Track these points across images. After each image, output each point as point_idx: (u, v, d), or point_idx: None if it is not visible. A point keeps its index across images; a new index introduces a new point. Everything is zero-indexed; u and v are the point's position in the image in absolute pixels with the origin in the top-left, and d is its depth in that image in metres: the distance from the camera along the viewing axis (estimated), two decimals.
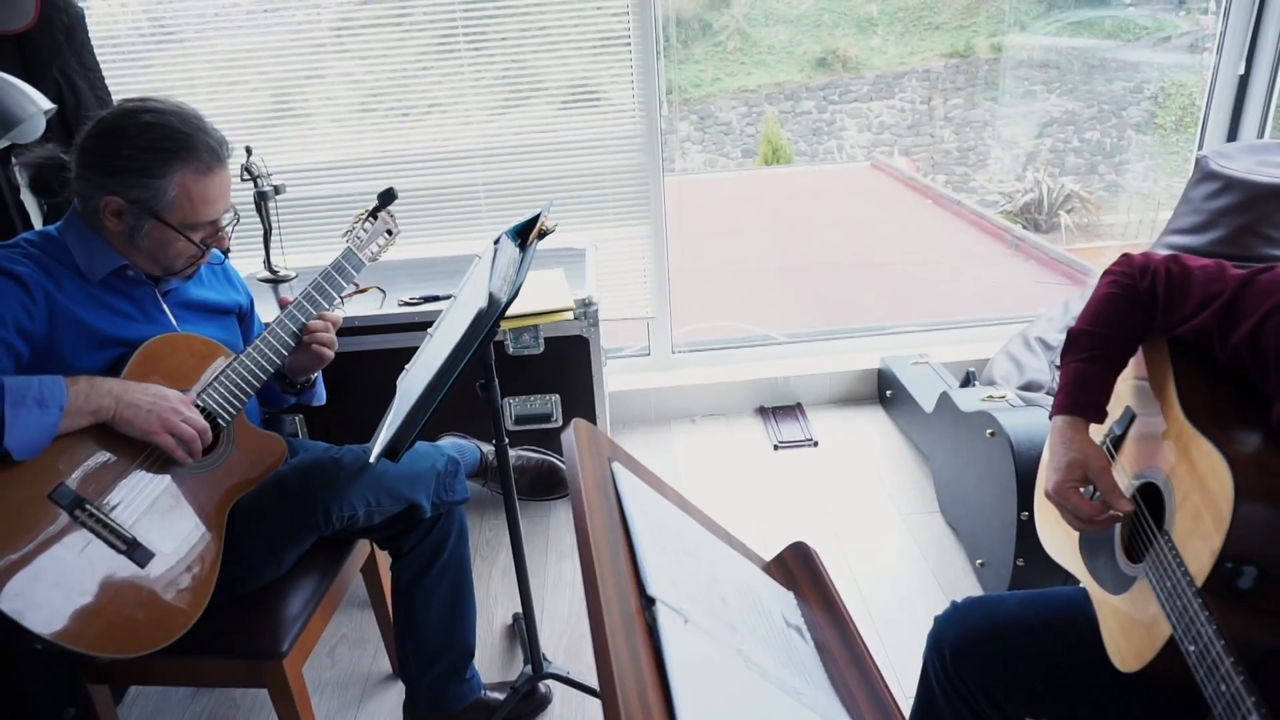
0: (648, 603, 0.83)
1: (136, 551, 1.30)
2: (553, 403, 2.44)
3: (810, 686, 0.97)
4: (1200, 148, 3.03)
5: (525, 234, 1.53)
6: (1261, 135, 2.95)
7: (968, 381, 2.51)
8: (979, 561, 2.15)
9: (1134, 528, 1.14)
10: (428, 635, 1.71)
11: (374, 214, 1.75)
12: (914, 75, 15.48)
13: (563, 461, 2.29)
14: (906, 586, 2.16)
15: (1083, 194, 10.76)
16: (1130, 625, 1.08)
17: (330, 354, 1.60)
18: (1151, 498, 1.12)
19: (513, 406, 2.43)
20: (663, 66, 2.68)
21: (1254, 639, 0.95)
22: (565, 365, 2.40)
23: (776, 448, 2.78)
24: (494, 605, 2.19)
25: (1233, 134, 2.99)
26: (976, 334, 3.12)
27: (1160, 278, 1.18)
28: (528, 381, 2.41)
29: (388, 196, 1.76)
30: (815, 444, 2.79)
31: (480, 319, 1.28)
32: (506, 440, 1.62)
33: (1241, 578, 0.95)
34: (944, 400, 2.34)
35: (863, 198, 7.92)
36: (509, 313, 2.25)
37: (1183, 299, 1.15)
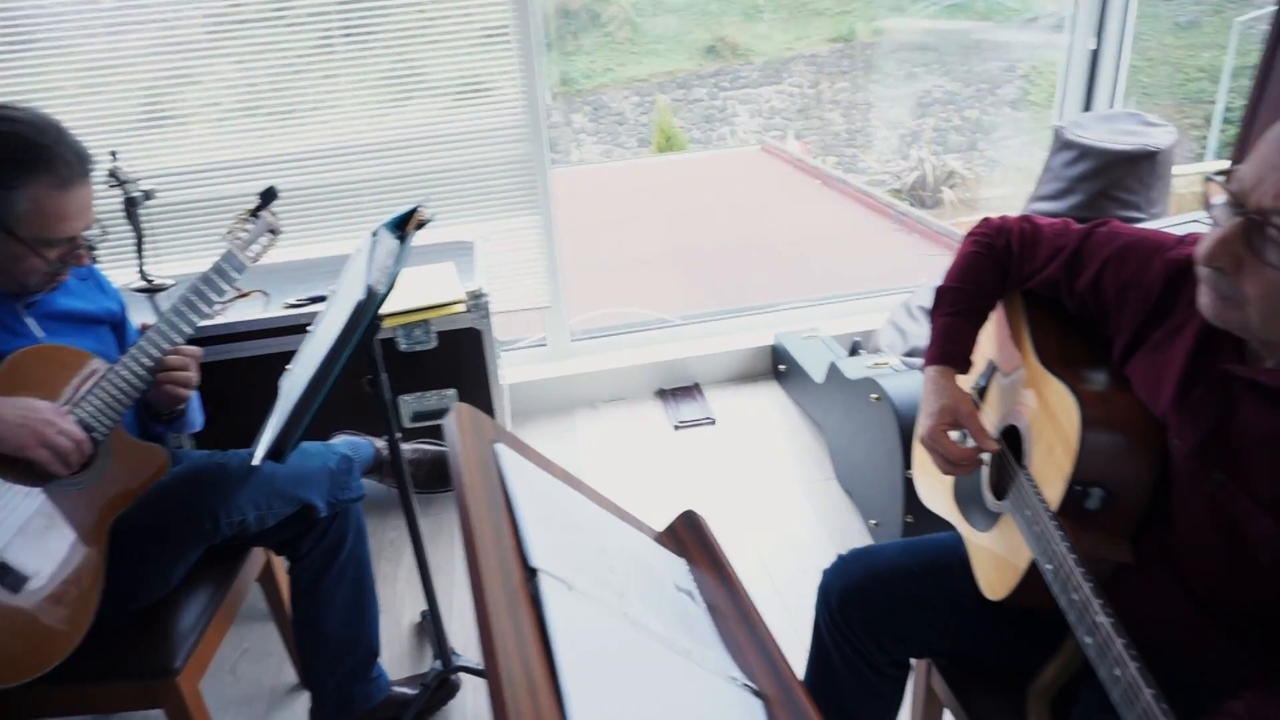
0: (531, 574, 0.85)
1: (7, 576, 1.25)
2: (450, 398, 2.42)
3: (700, 645, 1.00)
4: (1060, 119, 3.20)
5: (404, 226, 1.52)
6: (1113, 105, 3.14)
7: (854, 351, 2.60)
8: (873, 521, 2.24)
9: (999, 469, 1.21)
10: (331, 637, 1.68)
11: (255, 213, 1.71)
12: (801, 60, 15.81)
13: None
14: (806, 550, 2.24)
15: (963, 170, 11.23)
16: (997, 558, 1.16)
17: (187, 393, 1.50)
18: (1014, 440, 1.20)
19: (409, 404, 2.40)
20: (545, 58, 2.68)
21: (1101, 553, 1.03)
22: (460, 359, 2.38)
23: (677, 428, 2.83)
24: (402, 604, 2.17)
25: (1088, 105, 3.18)
26: (864, 306, 3.24)
27: (1014, 236, 1.25)
28: (423, 377, 2.39)
29: (269, 195, 1.72)
30: (714, 422, 2.85)
31: (359, 311, 1.27)
32: (399, 434, 1.61)
33: (1090, 499, 1.03)
34: (833, 370, 2.43)
35: (754, 181, 8.09)
36: (399, 308, 2.25)
37: (1034, 254, 1.23)
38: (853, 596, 1.25)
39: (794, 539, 2.30)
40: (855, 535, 2.29)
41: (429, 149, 2.67)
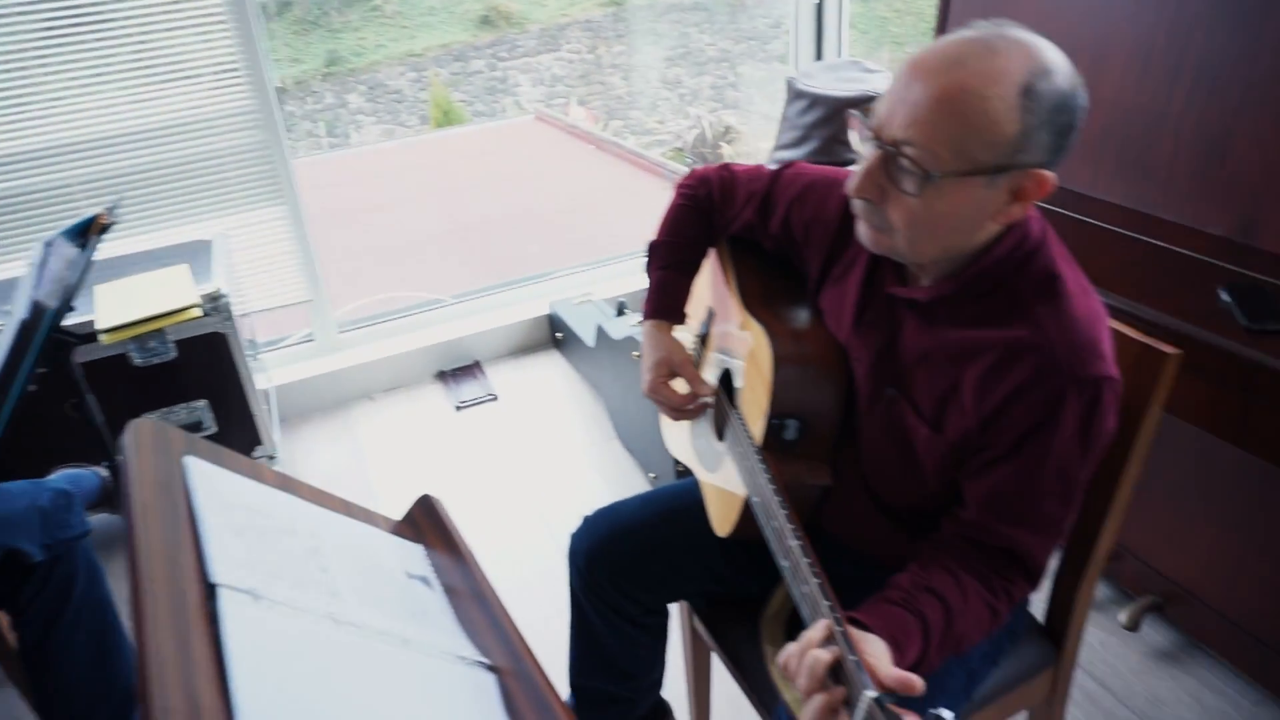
0: (211, 591, 0.80)
1: None
2: (201, 409, 2.26)
3: (429, 630, 0.98)
4: (794, 70, 3.36)
5: (86, 233, 1.38)
6: (840, 54, 3.32)
7: (620, 311, 2.65)
8: (652, 475, 2.30)
9: (718, 411, 1.27)
10: (75, 689, 1.54)
11: None
12: (576, 26, 15.77)
13: None
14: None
15: (739, 126, 11.65)
16: (722, 496, 1.21)
17: None
18: (731, 382, 1.25)
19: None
20: (265, 35, 2.50)
21: (804, 479, 1.10)
22: (207, 367, 2.22)
23: (459, 408, 2.79)
24: None
25: (819, 55, 3.35)
26: (634, 266, 3.29)
27: (714, 185, 1.30)
28: (167, 392, 2.21)
29: None
30: (496, 398, 2.82)
31: (25, 331, 1.15)
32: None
33: (787, 430, 1.09)
34: (600, 333, 2.46)
35: (528, 151, 8.03)
36: (124, 319, 2.06)
37: (732, 201, 1.28)
38: (598, 555, 1.27)
39: (580, 502, 2.32)
40: (639, 491, 2.34)
41: (145, 144, 2.44)
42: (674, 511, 1.28)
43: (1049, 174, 0.89)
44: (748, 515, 1.11)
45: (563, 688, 1.46)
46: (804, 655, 0.78)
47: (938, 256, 0.96)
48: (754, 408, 1.13)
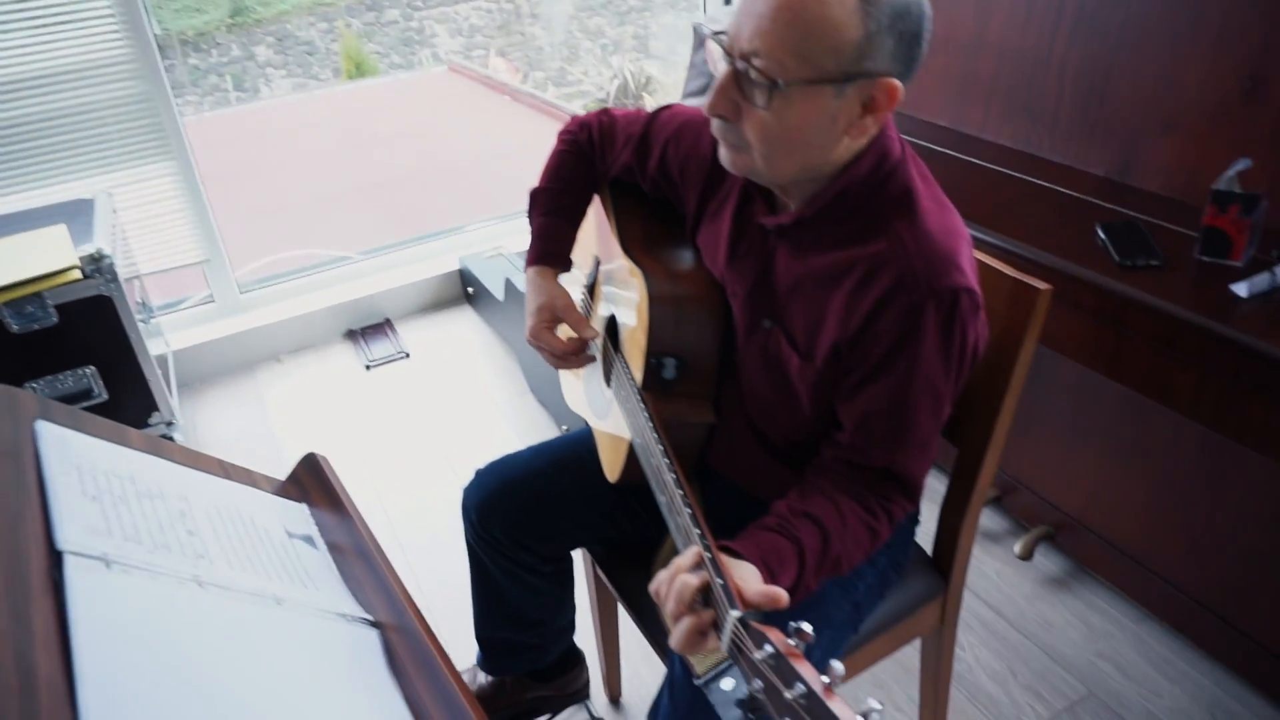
0: (58, 559, 0.76)
1: None
2: (89, 376, 2.16)
3: (308, 589, 0.96)
4: (703, 15, 3.32)
5: None
6: None
7: None
8: (564, 427, 2.29)
9: (606, 357, 1.26)
10: None
11: None
12: None
13: None
14: None
15: (660, 76, 11.54)
16: (612, 442, 1.21)
17: None
18: (616, 327, 1.25)
19: (40, 390, 2.12)
20: None
21: (686, 418, 1.10)
22: (94, 333, 2.12)
23: (369, 368, 2.73)
24: None
25: (728, 0, 3.31)
26: None
27: (594, 129, 1.27)
28: (51, 359, 2.11)
29: None
30: (407, 356, 2.77)
31: None
32: None
33: (665, 369, 1.09)
34: (509, 286, 2.42)
35: (441, 104, 7.82)
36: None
37: (611, 144, 1.26)
38: (490, 507, 1.26)
39: (493, 457, 2.29)
40: None
41: (13, 95, 2.29)
42: (566, 461, 1.28)
43: (898, 84, 0.89)
44: (632, 458, 1.11)
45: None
46: (673, 581, 0.78)
47: (797, 175, 0.96)
48: (635, 349, 1.13)
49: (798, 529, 0.92)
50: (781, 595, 0.75)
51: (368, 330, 2.90)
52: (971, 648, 1.75)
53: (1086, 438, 1.73)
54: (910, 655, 1.57)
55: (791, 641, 0.67)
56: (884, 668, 1.72)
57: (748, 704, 0.79)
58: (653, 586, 0.80)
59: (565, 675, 1.52)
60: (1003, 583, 1.89)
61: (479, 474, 1.30)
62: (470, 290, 2.95)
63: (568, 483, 1.26)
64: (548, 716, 1.58)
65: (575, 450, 1.29)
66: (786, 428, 1.09)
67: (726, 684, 0.82)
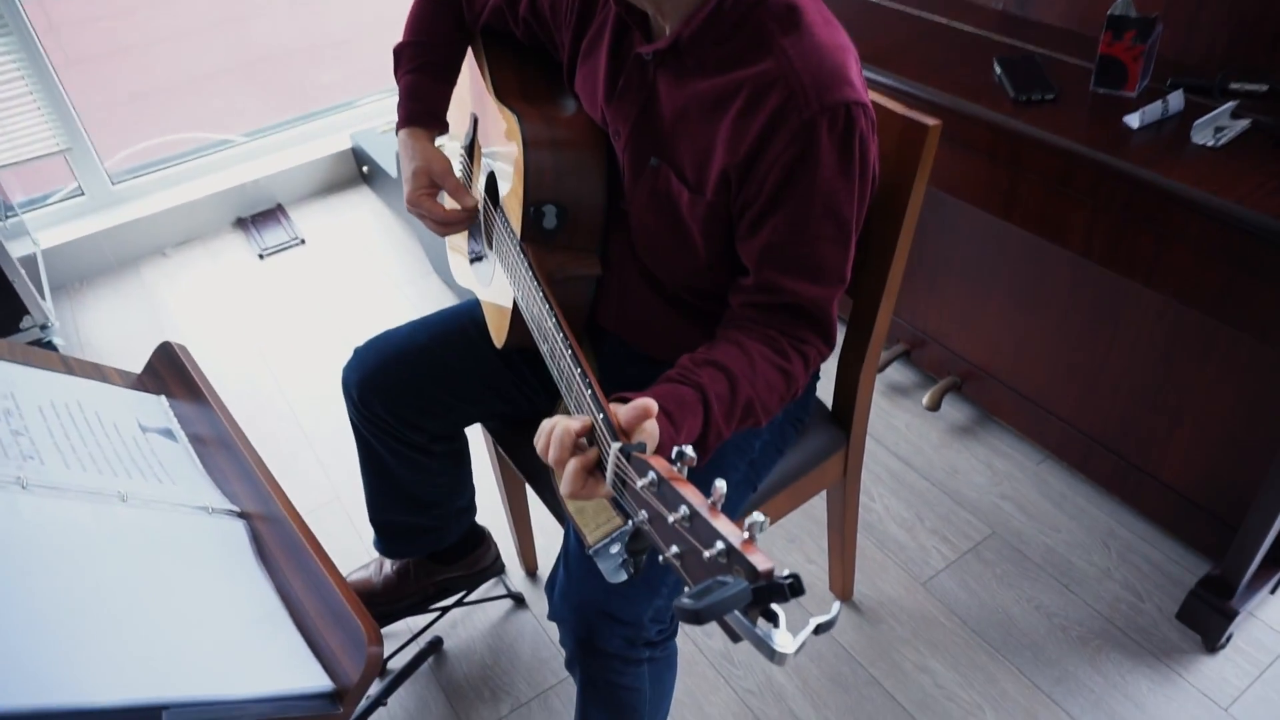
0: None
1: None
2: None
3: (163, 484, 0.90)
4: None
5: None
6: None
7: None
8: None
9: (487, 218, 1.19)
10: None
11: None
12: None
13: None
14: None
15: None
16: (497, 307, 1.15)
17: None
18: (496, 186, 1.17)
19: None
20: None
21: (571, 271, 1.05)
22: None
23: (262, 257, 2.59)
24: None
25: None
26: None
27: None
28: None
29: None
30: (303, 242, 2.63)
31: None
32: None
33: (545, 218, 1.03)
34: None
35: None
36: None
37: None
38: (371, 385, 1.19)
39: None
40: None
41: None
42: (448, 333, 1.21)
43: None
44: (517, 317, 1.06)
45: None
46: (553, 429, 0.74)
47: None
48: (514, 202, 1.06)
49: (700, 376, 0.87)
50: (650, 404, 0.72)
51: (258, 218, 2.74)
52: (881, 498, 1.79)
53: (990, 288, 1.73)
54: (819, 507, 1.60)
55: (676, 467, 0.64)
56: (794, 520, 1.75)
57: (630, 545, 0.77)
58: (537, 441, 0.76)
59: (471, 554, 1.50)
60: (911, 434, 1.92)
61: (357, 351, 1.23)
62: (365, 169, 2.79)
63: (451, 356, 1.20)
64: (463, 594, 1.57)
65: (458, 322, 1.22)
66: (682, 272, 1.04)
67: (615, 548, 0.79)
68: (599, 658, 1.00)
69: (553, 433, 0.74)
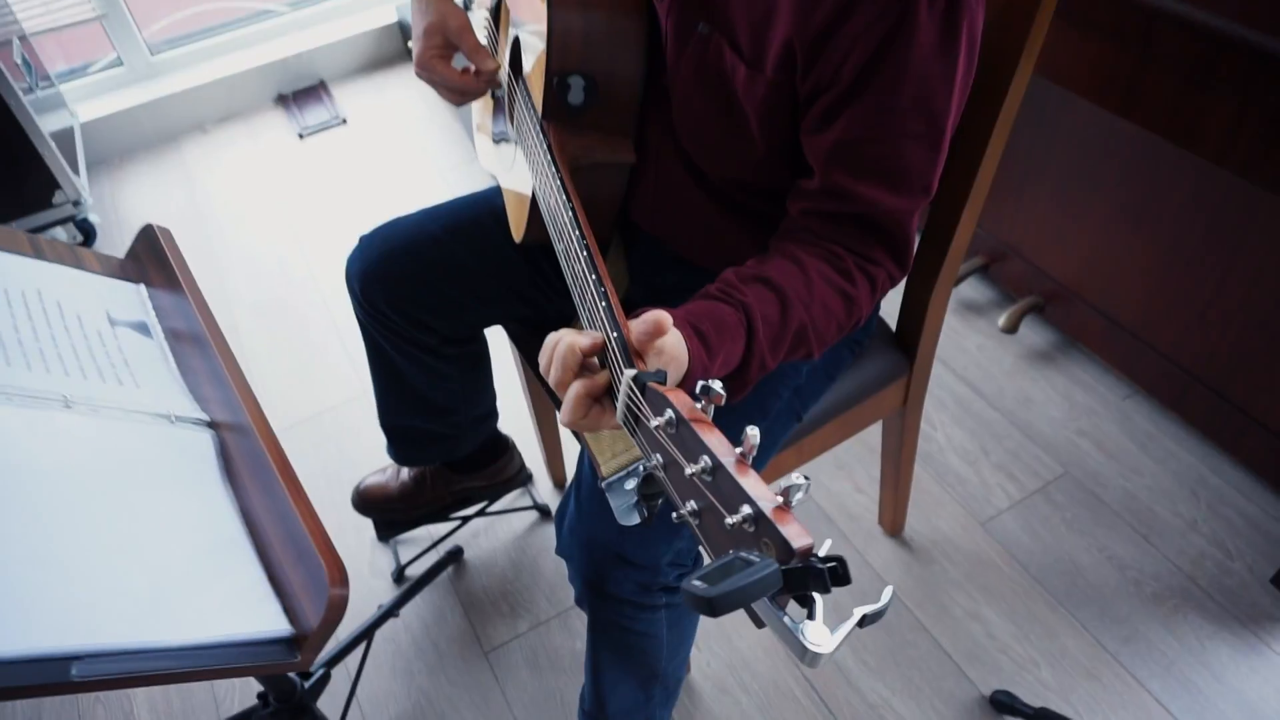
0: None
1: None
2: None
3: (124, 386, 0.80)
4: None
5: None
6: None
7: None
8: None
9: (510, 92, 1.04)
10: None
11: None
12: None
13: None
14: None
15: None
16: (517, 197, 1.01)
17: None
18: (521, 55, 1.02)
19: None
20: None
21: (599, 156, 0.90)
22: None
23: (302, 136, 2.46)
24: None
25: None
26: None
27: None
28: None
29: None
30: (345, 121, 2.50)
31: None
32: None
33: (570, 91, 0.88)
34: None
35: None
36: None
37: None
38: (374, 278, 1.07)
39: None
40: None
41: None
42: (463, 224, 1.07)
43: None
44: (535, 209, 0.92)
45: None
46: (557, 345, 0.62)
47: None
48: (536, 71, 0.92)
49: (746, 294, 0.73)
50: (663, 319, 0.59)
51: (300, 95, 2.60)
52: (942, 426, 1.64)
53: (1089, 197, 1.51)
54: (872, 432, 1.45)
55: (699, 405, 0.52)
56: (844, 445, 1.61)
57: (643, 488, 0.65)
58: (541, 357, 0.64)
59: (492, 465, 1.40)
60: (982, 358, 1.74)
61: (362, 240, 1.11)
62: (412, 45, 2.61)
63: (464, 249, 1.06)
64: (485, 504, 1.49)
65: (474, 212, 1.08)
66: (732, 165, 0.88)
67: (629, 484, 0.67)
68: (610, 602, 0.90)
69: (556, 349, 0.61)
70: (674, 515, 0.50)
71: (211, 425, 0.82)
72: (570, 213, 0.76)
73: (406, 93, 2.58)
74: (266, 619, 0.67)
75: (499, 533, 1.54)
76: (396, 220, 1.10)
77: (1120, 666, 1.30)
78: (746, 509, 0.45)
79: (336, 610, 0.67)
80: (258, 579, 0.70)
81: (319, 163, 2.39)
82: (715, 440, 0.49)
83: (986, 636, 1.35)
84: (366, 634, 1.32)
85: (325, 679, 1.21)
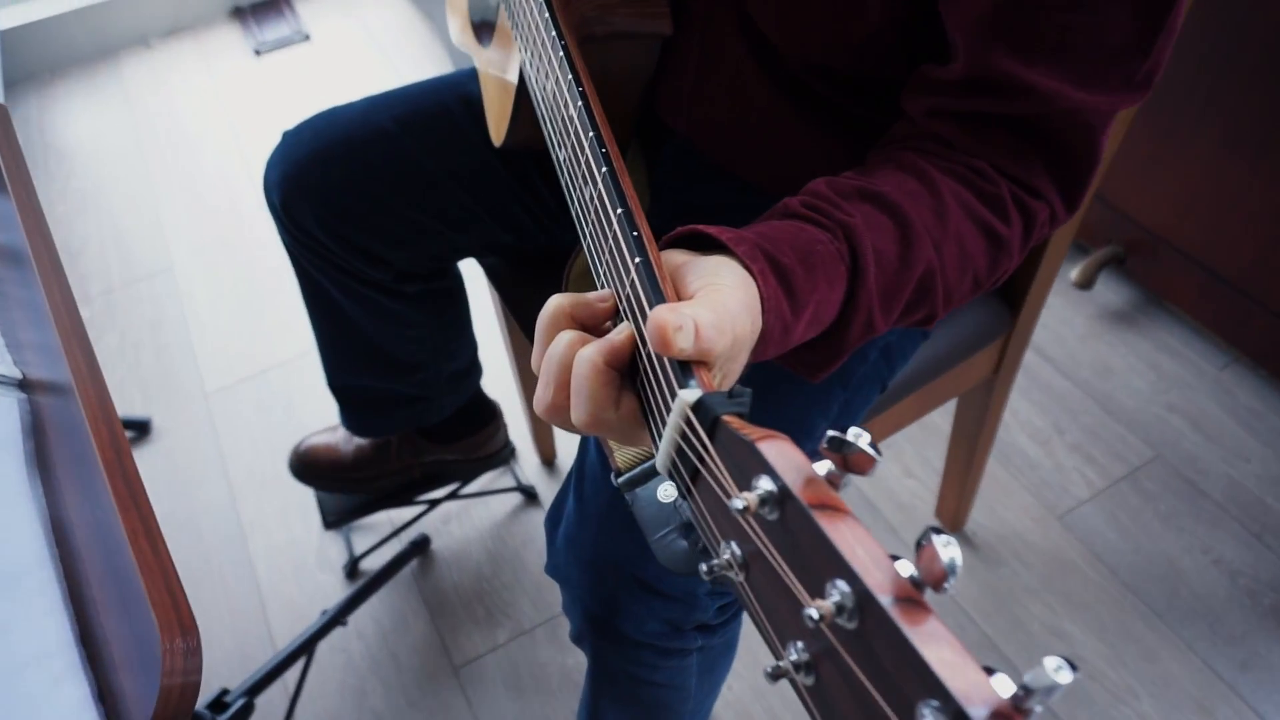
0: None
1: None
2: None
3: None
4: None
5: None
6: None
7: None
8: None
9: None
10: None
11: None
12: None
13: None
14: None
15: None
16: (499, 83, 0.73)
17: None
18: None
19: None
20: None
21: (620, 23, 0.62)
22: None
23: (259, 53, 2.15)
24: None
25: None
26: None
27: None
28: None
29: None
30: (307, 38, 2.19)
31: None
32: None
33: None
34: None
35: None
36: None
37: None
38: (300, 189, 0.78)
39: None
40: None
41: None
42: (423, 115, 0.79)
43: None
44: (524, 96, 0.64)
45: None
46: (565, 351, 0.38)
47: None
48: None
49: (850, 213, 0.46)
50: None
51: (259, 7, 2.28)
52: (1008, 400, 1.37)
53: (1193, 127, 1.24)
54: None
55: (824, 472, 0.28)
56: None
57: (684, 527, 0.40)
58: (543, 365, 0.39)
59: (475, 435, 1.12)
60: (1051, 318, 1.48)
61: (285, 135, 0.82)
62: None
63: (423, 150, 0.77)
64: (458, 484, 1.22)
65: (438, 99, 0.80)
66: (823, 41, 0.59)
67: (665, 490, 0.41)
68: (623, 646, 0.63)
69: (563, 362, 0.38)
70: (770, 668, 0.24)
71: (22, 386, 0.54)
72: (579, 104, 0.48)
73: (378, 10, 2.27)
74: (60, 706, 0.40)
75: (475, 519, 1.27)
76: (333, 110, 0.81)
77: (1239, 699, 1.06)
78: (933, 701, 0.20)
79: (174, 697, 0.39)
80: (55, 634, 0.43)
81: (277, 84, 2.08)
82: (863, 553, 0.24)
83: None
84: (306, 647, 1.06)
85: (248, 710, 0.95)
